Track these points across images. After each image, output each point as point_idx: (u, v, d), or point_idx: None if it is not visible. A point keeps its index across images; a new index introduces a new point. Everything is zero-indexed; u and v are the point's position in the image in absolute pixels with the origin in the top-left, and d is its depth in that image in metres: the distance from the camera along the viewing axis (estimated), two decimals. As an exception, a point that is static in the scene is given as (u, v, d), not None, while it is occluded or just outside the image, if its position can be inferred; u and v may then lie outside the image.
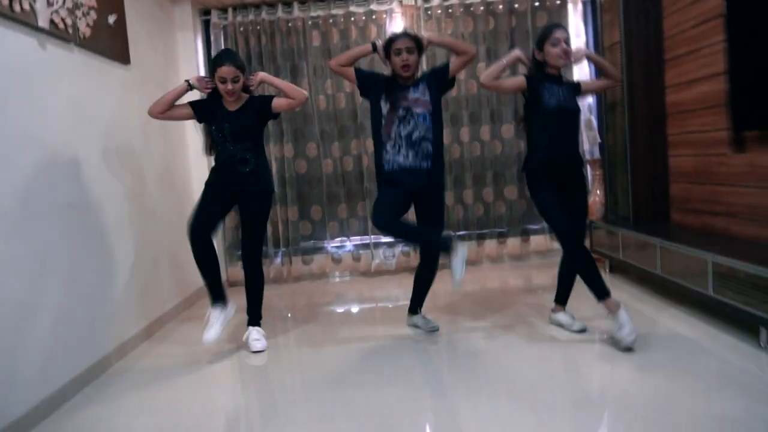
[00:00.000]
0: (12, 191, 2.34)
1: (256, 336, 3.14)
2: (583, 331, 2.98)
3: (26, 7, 2.48)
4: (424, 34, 3.13)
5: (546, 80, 2.88)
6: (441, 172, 3.09)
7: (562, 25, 2.96)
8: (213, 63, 2.97)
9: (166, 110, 3.01)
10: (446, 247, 2.86)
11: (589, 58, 3.11)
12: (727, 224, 3.35)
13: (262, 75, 3.14)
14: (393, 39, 3.01)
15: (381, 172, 3.06)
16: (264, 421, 2.31)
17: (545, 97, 2.83)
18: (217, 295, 3.08)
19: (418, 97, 3.01)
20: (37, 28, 2.58)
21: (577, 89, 2.99)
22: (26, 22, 2.49)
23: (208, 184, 3.11)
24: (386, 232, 3.26)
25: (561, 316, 3.09)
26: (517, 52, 2.97)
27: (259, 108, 3.09)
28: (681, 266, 3.14)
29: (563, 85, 2.93)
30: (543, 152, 2.86)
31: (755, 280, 2.55)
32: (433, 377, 2.66)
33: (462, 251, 2.82)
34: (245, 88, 3.09)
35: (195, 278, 3.26)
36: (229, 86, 2.94)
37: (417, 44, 3.00)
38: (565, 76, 3.04)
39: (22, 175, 2.41)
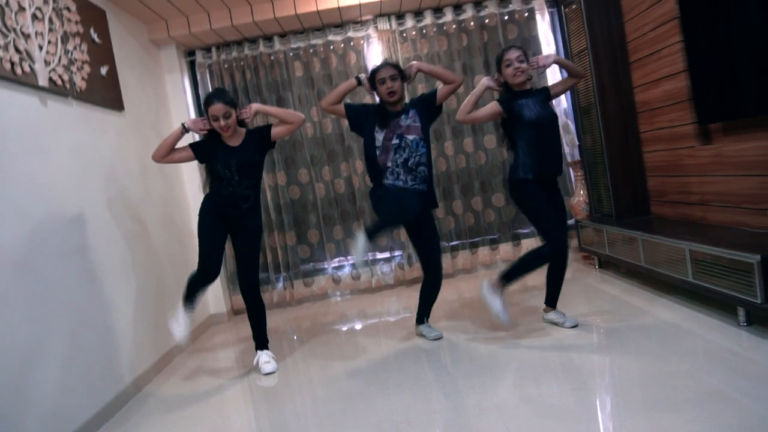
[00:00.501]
0: (25, 239, 2.50)
1: (266, 359, 3.29)
2: (575, 326, 3.14)
3: (27, 69, 2.66)
4: (413, 62, 3.28)
5: (519, 97, 3.08)
6: (434, 191, 3.33)
7: (515, 45, 3.14)
8: (204, 104, 3.12)
9: (167, 154, 3.16)
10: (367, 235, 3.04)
11: (557, 63, 3.25)
12: (702, 212, 3.53)
13: (256, 106, 3.28)
14: (376, 70, 3.22)
15: (381, 185, 3.21)
16: None
17: (523, 114, 3.03)
18: (194, 299, 3.22)
19: (410, 123, 3.20)
20: (38, 87, 2.76)
21: (547, 95, 3.18)
22: (28, 83, 2.67)
23: (205, 217, 3.19)
24: (384, 229, 3.28)
25: (552, 315, 3.25)
26: (485, 82, 3.16)
27: (259, 139, 3.23)
28: (662, 256, 3.31)
29: (534, 95, 3.12)
30: (532, 163, 3.03)
31: (729, 263, 2.72)
32: (437, 382, 2.80)
33: (359, 238, 3.03)
34: (241, 123, 3.23)
35: (199, 312, 3.39)
36: (222, 122, 3.06)
37: (399, 71, 3.20)
38: (535, 85, 3.20)
39: (33, 223, 2.57)
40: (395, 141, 3.17)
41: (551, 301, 3.28)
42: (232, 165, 3.14)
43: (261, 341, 3.34)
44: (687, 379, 2.27)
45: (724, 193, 3.28)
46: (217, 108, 3.05)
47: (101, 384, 2.90)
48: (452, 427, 2.24)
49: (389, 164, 3.18)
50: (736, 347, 2.52)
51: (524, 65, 3.06)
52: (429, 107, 3.28)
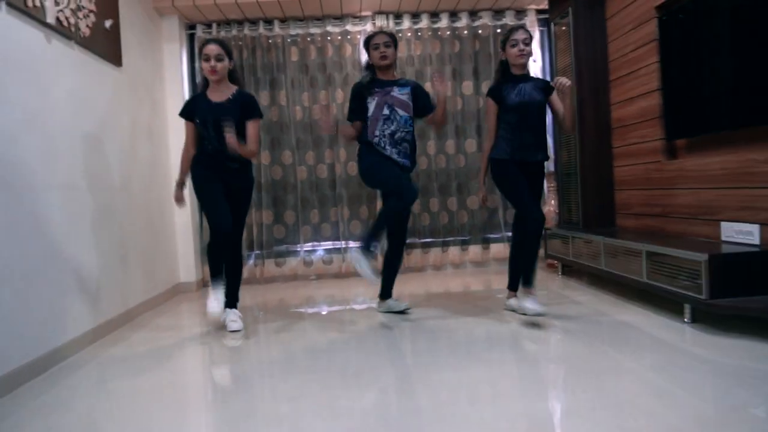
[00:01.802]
0: (14, 164, 2.57)
1: (233, 317, 3.33)
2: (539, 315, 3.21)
3: (38, 3, 2.76)
4: (440, 93, 3.35)
5: (510, 81, 3.15)
6: (413, 169, 3.48)
7: (523, 26, 3.20)
8: (199, 48, 3.17)
9: (192, 145, 3.25)
10: (365, 246, 3.12)
11: (565, 95, 3.12)
12: (662, 224, 3.74)
13: (231, 142, 3.00)
14: (371, 36, 3.36)
15: (371, 146, 3.31)
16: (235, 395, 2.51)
17: (508, 98, 3.12)
18: (219, 272, 3.24)
19: (403, 99, 3.33)
20: (45, 24, 2.85)
21: (547, 89, 3.20)
22: (36, 17, 2.77)
23: (200, 178, 3.17)
24: (399, 213, 3.35)
25: (513, 302, 3.39)
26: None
27: (244, 106, 3.16)
28: (621, 259, 3.50)
29: (530, 81, 3.18)
30: (508, 145, 3.14)
31: (680, 262, 2.91)
32: (393, 366, 2.81)
33: (357, 258, 3.09)
34: (233, 79, 3.20)
35: (166, 279, 3.40)
36: (212, 62, 3.04)
37: (393, 40, 3.33)
38: (534, 74, 3.24)
39: (23, 151, 2.64)
40: (385, 111, 3.29)
41: (515, 284, 3.38)
42: (209, 121, 3.08)
43: (231, 299, 3.39)
44: (630, 362, 2.42)
45: (684, 205, 3.50)
46: (211, 48, 3.06)
47: (52, 326, 2.96)
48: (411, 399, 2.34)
49: (377, 133, 3.29)
50: (680, 343, 2.66)
51: (529, 48, 3.11)
52: (423, 106, 3.42)
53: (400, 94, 3.34)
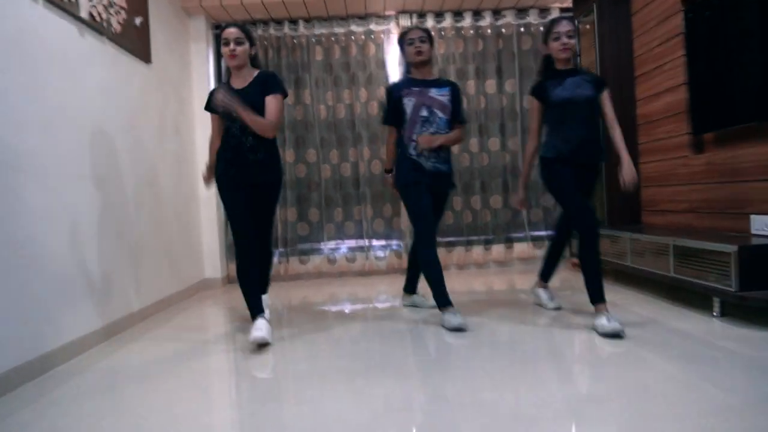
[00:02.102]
0: (47, 151, 2.64)
1: (259, 324, 2.81)
2: (558, 308, 3.26)
3: (72, -2, 2.84)
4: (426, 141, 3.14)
5: (555, 77, 2.91)
6: (453, 173, 3.29)
7: (567, 17, 2.95)
8: (220, 32, 2.93)
9: (218, 136, 3.01)
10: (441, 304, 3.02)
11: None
12: (689, 220, 3.69)
13: (228, 102, 2.75)
14: (405, 32, 3.17)
15: (407, 165, 3.12)
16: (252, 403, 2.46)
17: (552, 94, 2.87)
18: (257, 308, 2.88)
19: (442, 100, 3.12)
20: (78, 18, 2.93)
21: (597, 83, 2.92)
22: (70, 11, 2.85)
23: (224, 184, 2.92)
24: (425, 268, 3.12)
25: (541, 292, 3.37)
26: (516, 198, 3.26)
27: (264, 84, 2.88)
28: (647, 254, 3.46)
29: (578, 75, 2.91)
30: (555, 143, 2.89)
31: (708, 255, 2.87)
32: (418, 367, 2.77)
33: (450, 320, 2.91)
34: (254, 63, 2.97)
35: (193, 274, 3.38)
36: (232, 46, 2.82)
37: (429, 36, 3.13)
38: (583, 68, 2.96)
39: (55, 139, 2.71)
40: (424, 113, 3.10)
41: (545, 276, 3.37)
42: (232, 110, 2.78)
43: (262, 286, 3.15)
44: (661, 361, 2.38)
45: (712, 200, 3.45)
46: (230, 32, 2.84)
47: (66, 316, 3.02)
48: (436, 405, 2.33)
49: (414, 137, 3.10)
50: (708, 337, 2.60)
51: (573, 41, 2.87)
52: (455, 109, 3.19)
53: (439, 94, 3.13)
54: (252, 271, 2.89)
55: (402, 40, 3.18)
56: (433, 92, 3.13)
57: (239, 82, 2.90)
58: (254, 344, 2.77)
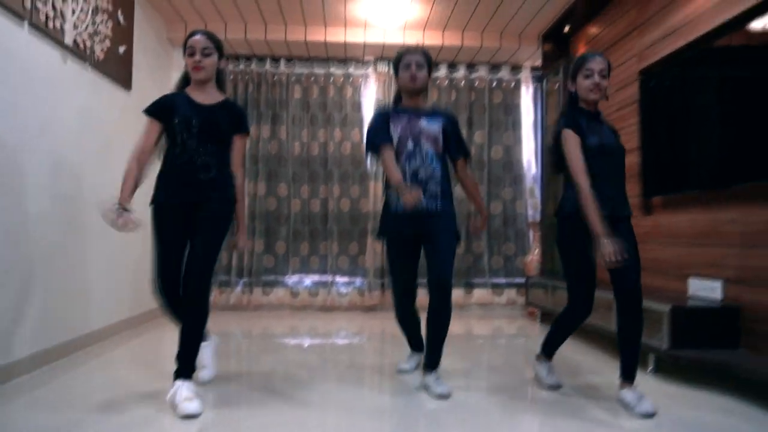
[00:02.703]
0: (21, 170, 2.72)
1: (186, 393, 2.27)
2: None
3: (57, 26, 2.97)
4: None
5: (583, 117, 2.51)
6: (451, 215, 2.74)
7: (600, 54, 2.55)
8: (185, 40, 2.52)
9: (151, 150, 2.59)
10: (429, 366, 2.68)
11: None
12: (637, 278, 3.87)
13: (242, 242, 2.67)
14: (404, 52, 2.74)
15: (386, 213, 2.80)
16: None
17: (588, 138, 2.45)
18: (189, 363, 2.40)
19: (432, 132, 2.71)
20: (62, 45, 3.05)
21: (617, 134, 2.64)
22: (56, 38, 2.97)
23: (166, 212, 2.51)
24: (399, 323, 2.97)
25: (539, 369, 2.83)
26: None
27: (232, 117, 2.55)
28: (595, 307, 3.60)
29: (602, 123, 2.58)
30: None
31: (645, 313, 3.02)
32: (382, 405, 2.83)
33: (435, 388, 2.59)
34: (220, 85, 2.62)
35: (141, 301, 3.33)
36: (197, 57, 2.44)
37: (428, 61, 2.74)
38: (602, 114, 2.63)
39: (33, 159, 2.80)
40: (410, 145, 2.68)
41: (547, 350, 2.80)
42: (193, 124, 2.43)
43: (185, 367, 2.37)
44: (587, 418, 2.51)
45: (657, 260, 3.64)
46: (197, 40, 2.46)
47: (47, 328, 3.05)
48: None
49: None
50: (645, 391, 2.71)
51: (605, 82, 2.49)
52: (453, 145, 2.81)
53: (429, 126, 2.72)
54: (179, 309, 2.45)
55: (398, 63, 2.75)
56: (423, 123, 2.72)
57: (203, 98, 2.52)
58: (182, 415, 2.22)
